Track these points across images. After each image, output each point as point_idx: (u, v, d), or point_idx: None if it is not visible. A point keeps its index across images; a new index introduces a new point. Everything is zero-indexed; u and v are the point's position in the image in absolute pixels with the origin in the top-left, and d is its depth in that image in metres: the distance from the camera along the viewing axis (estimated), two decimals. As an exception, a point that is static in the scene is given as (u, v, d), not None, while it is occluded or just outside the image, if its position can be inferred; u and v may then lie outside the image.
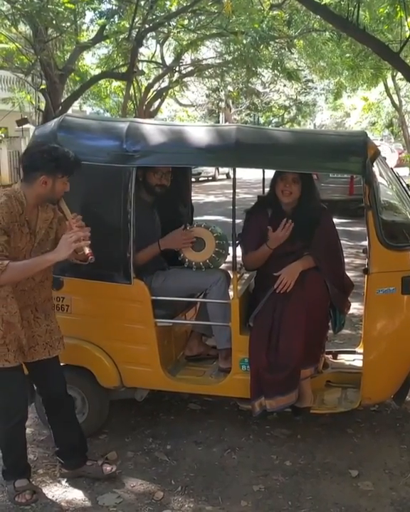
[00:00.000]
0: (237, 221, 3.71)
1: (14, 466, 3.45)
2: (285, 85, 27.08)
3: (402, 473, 3.64)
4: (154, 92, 21.58)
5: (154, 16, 15.01)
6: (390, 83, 23.69)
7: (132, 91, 19.66)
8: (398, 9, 10.89)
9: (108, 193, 3.75)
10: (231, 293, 3.95)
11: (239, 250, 3.90)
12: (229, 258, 4.08)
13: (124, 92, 20.62)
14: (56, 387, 3.50)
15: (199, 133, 3.77)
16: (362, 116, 32.41)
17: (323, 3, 9.26)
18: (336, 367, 4.31)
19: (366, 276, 3.98)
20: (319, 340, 3.87)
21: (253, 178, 23.28)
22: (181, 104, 29.13)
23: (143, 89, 21.07)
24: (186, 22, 17.05)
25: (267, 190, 4.15)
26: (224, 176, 28.55)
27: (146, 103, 21.32)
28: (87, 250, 3.04)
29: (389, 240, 3.62)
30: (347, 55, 14.51)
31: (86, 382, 3.94)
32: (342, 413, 3.98)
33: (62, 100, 16.09)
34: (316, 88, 33.52)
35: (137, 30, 14.10)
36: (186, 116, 30.30)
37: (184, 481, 3.59)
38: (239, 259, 3.86)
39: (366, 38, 8.49)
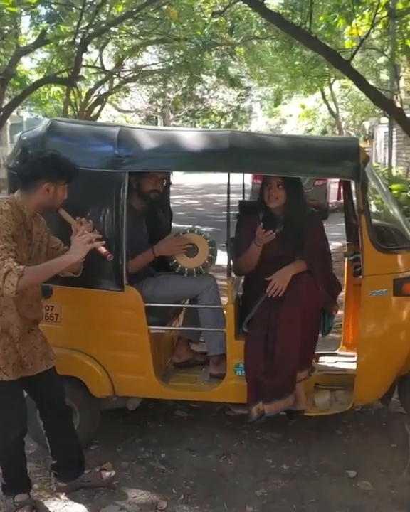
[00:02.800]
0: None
1: (14, 481, 3.33)
2: (223, 91, 27.33)
3: (398, 472, 3.70)
4: (95, 98, 21.39)
5: (98, 21, 14.90)
6: (327, 90, 24.24)
7: (72, 96, 19.44)
8: (339, 18, 11.17)
9: (100, 199, 3.69)
10: (223, 298, 3.97)
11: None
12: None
13: (63, 98, 20.37)
14: (56, 398, 3.41)
15: (192, 138, 3.75)
16: (298, 123, 33.05)
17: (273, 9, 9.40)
18: (322, 369, 4.35)
19: (350, 278, 4.06)
20: (312, 343, 3.90)
21: (196, 183, 23.44)
22: (119, 110, 28.96)
23: (83, 95, 20.84)
24: (128, 27, 16.99)
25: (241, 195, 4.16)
26: (179, 182, 28.52)
27: (86, 109, 21.10)
28: (103, 250, 3.05)
29: (381, 242, 3.70)
30: (296, 62, 14.77)
31: (77, 392, 3.83)
32: (329, 415, 4.03)
33: (3, 105, 15.75)
34: (252, 95, 33.96)
35: (81, 35, 13.93)
36: (125, 122, 30.18)
37: (185, 490, 3.55)
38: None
39: (319, 45, 8.64)
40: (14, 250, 2.91)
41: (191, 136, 3.79)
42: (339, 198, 4.15)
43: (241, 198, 3.72)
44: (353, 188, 4.42)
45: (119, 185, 3.64)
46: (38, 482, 3.60)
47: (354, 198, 4.42)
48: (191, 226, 4.06)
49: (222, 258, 4.13)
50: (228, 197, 3.72)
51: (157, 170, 3.82)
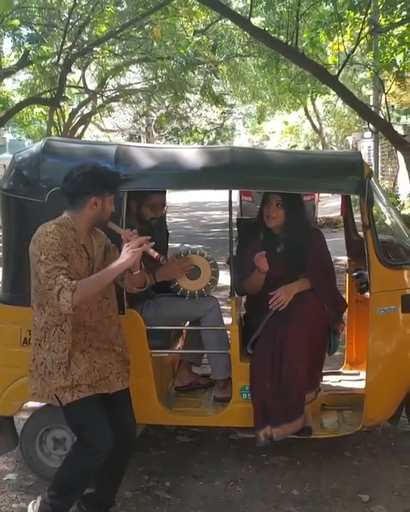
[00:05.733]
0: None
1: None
2: (206, 110, 27.41)
3: (411, 494, 3.60)
4: (78, 118, 21.36)
5: (81, 41, 14.90)
6: (309, 107, 24.40)
7: (55, 117, 19.39)
8: (321, 34, 11.22)
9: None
10: (226, 319, 3.87)
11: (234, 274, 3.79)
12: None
13: (46, 118, 20.31)
14: (126, 426, 3.23)
15: (191, 155, 3.66)
16: (281, 139, 33.19)
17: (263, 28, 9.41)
18: (328, 389, 4.24)
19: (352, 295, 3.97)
20: (320, 362, 3.81)
21: (181, 201, 23.39)
22: (102, 130, 28.94)
23: (66, 115, 20.80)
24: (111, 47, 17.00)
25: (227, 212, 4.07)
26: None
27: (70, 129, 21.04)
28: (155, 253, 3.00)
29: (387, 258, 3.62)
30: (282, 78, 14.85)
31: (77, 420, 3.70)
32: (335, 436, 3.91)
33: (-13, 127, 15.66)
34: (234, 112, 34.11)
35: (64, 55, 13.90)
36: (108, 141, 30.16)
37: (193, 520, 3.42)
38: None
39: (306, 61, 8.65)
40: (65, 268, 2.85)
41: (190, 153, 3.70)
42: (342, 213, 4.06)
43: (231, 216, 3.62)
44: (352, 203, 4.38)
45: (119, 205, 3.53)
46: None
47: (355, 213, 4.39)
48: (192, 246, 3.96)
49: (222, 277, 4.04)
50: (230, 215, 3.64)
51: (157, 188, 3.72)
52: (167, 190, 4.34)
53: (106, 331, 3.16)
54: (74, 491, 3.15)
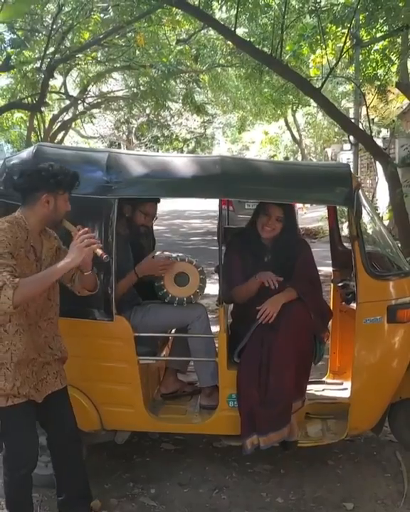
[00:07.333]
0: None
1: None
2: (187, 119, 27.50)
3: (394, 503, 3.64)
4: (59, 124, 21.27)
5: (64, 47, 14.87)
6: (290, 118, 24.61)
7: (35, 123, 19.28)
8: (304, 46, 11.33)
9: (89, 226, 3.57)
10: (213, 328, 3.90)
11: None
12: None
13: (27, 124, 20.19)
14: (67, 425, 3.22)
15: (183, 164, 3.68)
16: (261, 149, 33.39)
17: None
18: (312, 398, 4.27)
19: (337, 305, 4.02)
20: (306, 371, 3.84)
21: (161, 209, 23.37)
22: (82, 136, 28.86)
23: (47, 121, 20.69)
24: (94, 54, 16.98)
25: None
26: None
27: (50, 135, 20.94)
28: (99, 251, 2.94)
29: (373, 269, 3.67)
30: (265, 89, 14.97)
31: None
32: (319, 445, 3.95)
33: (-33, 131, 15.54)
34: (214, 122, 34.25)
35: (48, 60, 13.86)
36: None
37: (179, 527, 3.42)
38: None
39: (290, 73, 8.73)
40: (11, 266, 2.79)
41: (180, 162, 3.72)
42: (331, 224, 4.13)
43: (221, 224, 3.67)
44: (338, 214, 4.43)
45: (109, 212, 3.56)
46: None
47: (341, 224, 4.45)
48: (180, 254, 3.98)
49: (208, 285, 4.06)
50: (219, 223, 3.66)
51: (147, 196, 3.74)
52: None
53: (44, 333, 3.12)
54: (22, 508, 3.15)
